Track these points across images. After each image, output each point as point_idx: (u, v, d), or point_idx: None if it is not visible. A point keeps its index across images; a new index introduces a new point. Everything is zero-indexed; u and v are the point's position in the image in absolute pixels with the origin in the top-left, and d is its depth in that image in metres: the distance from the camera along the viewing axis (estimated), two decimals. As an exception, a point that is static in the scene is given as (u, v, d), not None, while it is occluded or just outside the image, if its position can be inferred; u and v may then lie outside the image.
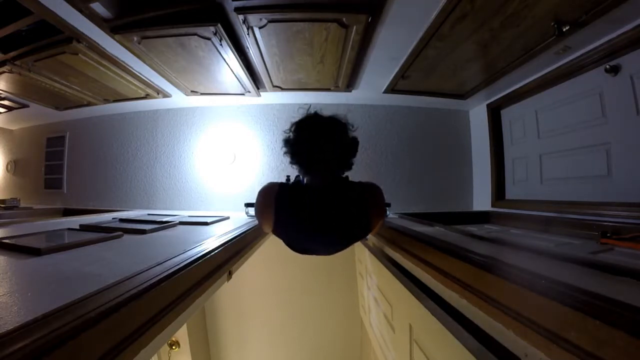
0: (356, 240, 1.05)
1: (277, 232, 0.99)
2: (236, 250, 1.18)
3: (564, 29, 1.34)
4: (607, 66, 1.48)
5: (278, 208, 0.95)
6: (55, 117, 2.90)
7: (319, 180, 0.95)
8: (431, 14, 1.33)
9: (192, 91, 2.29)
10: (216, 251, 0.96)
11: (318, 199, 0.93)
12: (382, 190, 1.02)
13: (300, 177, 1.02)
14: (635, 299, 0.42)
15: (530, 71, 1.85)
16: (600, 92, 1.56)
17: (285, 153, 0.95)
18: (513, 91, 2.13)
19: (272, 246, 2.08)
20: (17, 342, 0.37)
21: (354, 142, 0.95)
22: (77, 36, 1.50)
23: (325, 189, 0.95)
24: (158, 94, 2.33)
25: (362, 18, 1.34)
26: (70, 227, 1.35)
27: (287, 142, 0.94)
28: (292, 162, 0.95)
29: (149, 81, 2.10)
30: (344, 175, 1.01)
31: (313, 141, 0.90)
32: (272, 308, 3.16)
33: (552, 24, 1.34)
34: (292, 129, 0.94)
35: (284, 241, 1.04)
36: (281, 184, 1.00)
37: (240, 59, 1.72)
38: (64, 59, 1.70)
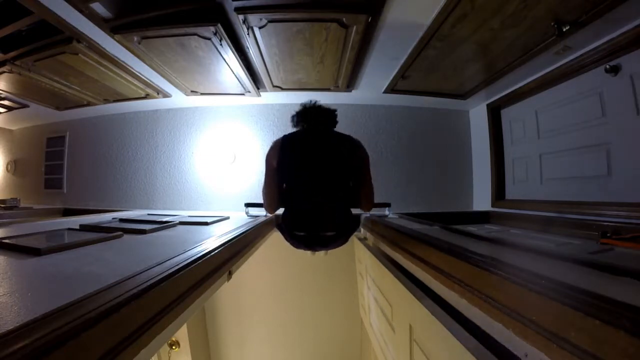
0: (348, 172, 1.40)
1: (281, 162, 1.36)
2: (236, 250, 1.18)
3: (564, 29, 1.34)
4: (607, 66, 1.48)
5: (284, 144, 1.37)
6: (55, 117, 2.90)
7: (315, 125, 1.38)
8: (431, 14, 1.34)
9: (192, 91, 2.29)
10: (216, 251, 0.96)
11: (314, 134, 1.37)
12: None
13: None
14: (635, 299, 0.42)
15: (530, 71, 1.85)
16: (600, 92, 1.56)
17: (293, 125, 1.42)
18: (513, 91, 2.13)
19: (272, 246, 2.08)
20: (17, 342, 0.37)
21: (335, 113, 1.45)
22: (77, 36, 1.50)
23: (318, 129, 1.38)
24: (158, 94, 2.33)
25: (362, 18, 1.35)
26: (70, 227, 1.35)
27: (294, 117, 1.42)
28: (295, 124, 1.41)
29: (149, 81, 2.10)
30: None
31: (311, 107, 1.39)
32: (272, 308, 3.16)
33: (552, 24, 1.34)
34: (298, 110, 1.43)
35: (285, 179, 1.41)
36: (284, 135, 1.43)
37: (240, 59, 1.72)
38: (64, 59, 1.71)
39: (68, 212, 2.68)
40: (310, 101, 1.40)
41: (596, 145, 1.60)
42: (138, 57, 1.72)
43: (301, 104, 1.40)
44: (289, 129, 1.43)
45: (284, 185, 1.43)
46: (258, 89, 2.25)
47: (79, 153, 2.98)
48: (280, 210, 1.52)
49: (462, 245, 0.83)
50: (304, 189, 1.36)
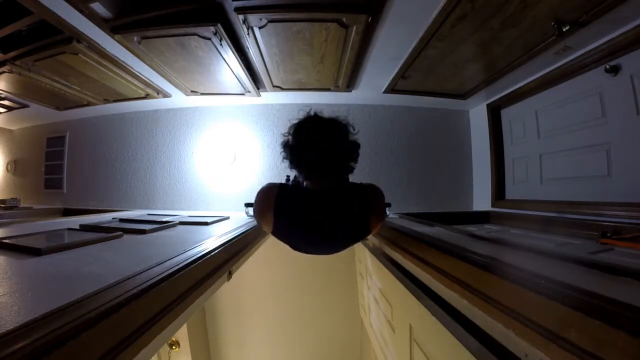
0: (356, 242, 1.06)
1: (277, 235, 0.99)
2: (236, 250, 1.18)
3: (564, 29, 1.34)
4: (607, 66, 1.48)
5: (278, 211, 0.93)
6: (55, 117, 2.90)
7: (320, 186, 0.93)
8: (431, 14, 1.33)
9: (192, 91, 2.29)
10: (216, 251, 0.96)
11: (319, 202, 0.92)
12: (382, 191, 1.02)
13: (300, 180, 1.00)
14: (635, 299, 0.42)
15: (530, 71, 1.85)
16: (600, 92, 1.56)
17: (284, 158, 0.93)
18: (513, 91, 2.13)
19: (272, 246, 2.08)
20: (17, 342, 0.37)
21: (355, 146, 0.93)
22: (77, 36, 1.50)
23: (325, 193, 0.93)
24: (158, 94, 2.33)
25: (362, 18, 1.34)
26: (70, 227, 1.35)
27: (286, 146, 0.92)
28: (291, 167, 0.93)
29: (149, 81, 2.10)
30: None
31: (313, 146, 0.87)
32: (272, 308, 3.16)
33: (552, 24, 1.34)
34: (291, 132, 0.91)
35: (284, 242, 1.05)
36: (281, 185, 0.99)
37: (240, 59, 1.72)
38: (64, 59, 1.70)
39: (68, 212, 2.68)
40: (312, 114, 0.91)
41: (596, 145, 1.60)
42: (138, 57, 1.72)
43: (296, 125, 0.90)
44: (283, 152, 1.02)
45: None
46: (258, 89, 2.25)
47: (79, 153, 2.98)
48: None
49: (462, 245, 0.83)
50: (307, 252, 1.08)
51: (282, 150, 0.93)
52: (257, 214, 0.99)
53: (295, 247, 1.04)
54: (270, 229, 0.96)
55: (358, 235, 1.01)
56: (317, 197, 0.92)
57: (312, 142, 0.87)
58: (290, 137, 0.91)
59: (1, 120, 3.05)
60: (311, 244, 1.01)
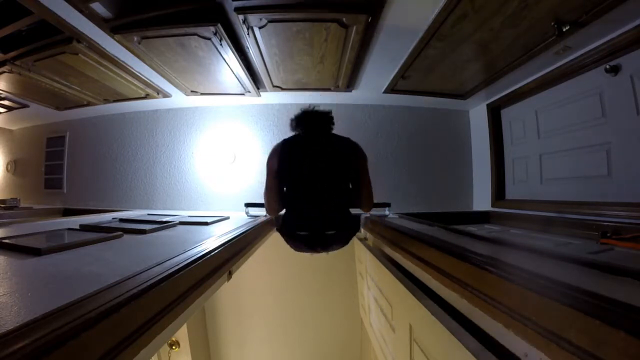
0: (345, 167, 1.40)
1: (281, 165, 1.37)
2: (236, 250, 1.18)
3: (564, 29, 1.34)
4: (607, 66, 1.48)
5: (284, 146, 1.39)
6: (55, 117, 2.90)
7: (314, 133, 1.39)
8: (431, 14, 1.34)
9: (192, 91, 2.29)
10: (216, 251, 0.96)
11: (313, 139, 1.38)
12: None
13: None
14: (635, 299, 0.42)
15: (530, 71, 1.85)
16: (600, 92, 1.56)
17: (290, 127, 1.44)
18: (513, 91, 2.13)
19: (272, 246, 2.08)
20: (17, 342, 0.37)
21: (332, 118, 1.43)
22: (77, 36, 1.50)
23: (318, 135, 1.39)
24: (158, 94, 2.33)
25: (362, 18, 1.35)
26: (70, 227, 1.35)
27: (292, 121, 1.43)
28: (293, 129, 1.43)
29: (149, 81, 2.10)
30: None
31: (308, 115, 1.39)
32: (272, 308, 3.16)
33: (552, 24, 1.34)
34: (294, 116, 1.43)
35: (286, 182, 1.42)
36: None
37: (240, 59, 1.72)
38: (64, 59, 1.70)
39: (68, 212, 2.68)
40: (309, 106, 1.43)
41: (596, 145, 1.60)
42: (138, 57, 1.72)
43: (300, 109, 1.43)
44: (289, 129, 1.44)
45: (285, 188, 1.44)
46: (258, 89, 2.25)
47: (79, 153, 2.98)
48: (281, 212, 1.51)
49: (462, 245, 0.83)
50: (305, 190, 1.38)
51: (290, 125, 1.44)
52: (269, 157, 1.42)
53: (293, 182, 1.40)
54: (277, 164, 1.37)
55: (346, 162, 1.39)
56: (312, 135, 1.39)
57: (308, 113, 1.39)
58: (294, 118, 1.42)
59: (1, 120, 3.05)
60: (307, 171, 1.35)
